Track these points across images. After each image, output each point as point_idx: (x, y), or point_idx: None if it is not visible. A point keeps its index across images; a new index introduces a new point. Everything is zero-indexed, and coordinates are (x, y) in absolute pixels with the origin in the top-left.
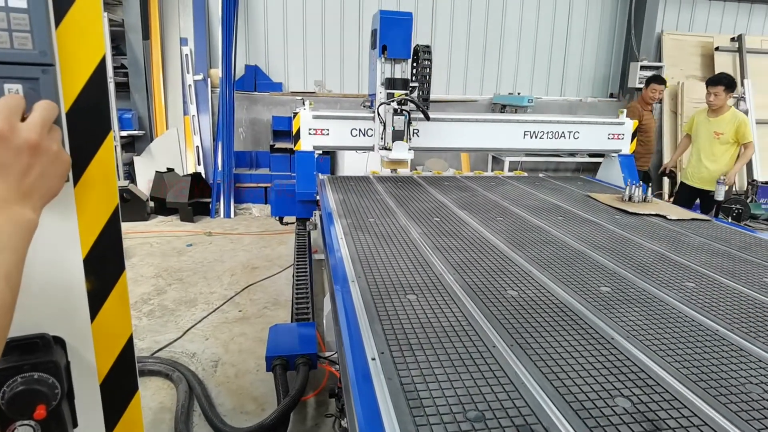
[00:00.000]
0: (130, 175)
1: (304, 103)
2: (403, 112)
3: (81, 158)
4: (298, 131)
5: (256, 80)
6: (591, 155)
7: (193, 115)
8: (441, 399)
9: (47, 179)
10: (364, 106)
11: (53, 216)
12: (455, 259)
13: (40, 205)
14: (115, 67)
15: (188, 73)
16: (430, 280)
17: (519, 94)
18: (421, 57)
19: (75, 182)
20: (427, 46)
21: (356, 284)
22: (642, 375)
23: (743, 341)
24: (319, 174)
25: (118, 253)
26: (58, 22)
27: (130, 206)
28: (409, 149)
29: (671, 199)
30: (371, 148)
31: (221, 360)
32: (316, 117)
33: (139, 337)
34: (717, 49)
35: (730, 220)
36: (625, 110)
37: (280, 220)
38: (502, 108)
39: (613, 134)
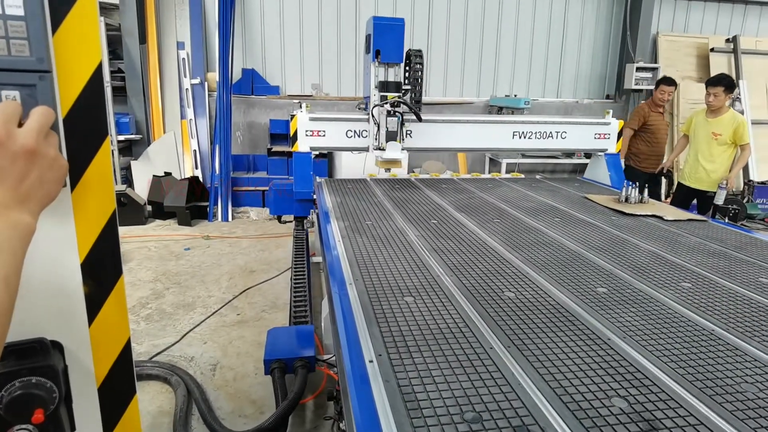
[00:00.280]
0: (128, 179)
1: (301, 106)
2: (396, 113)
3: (78, 163)
4: (296, 133)
5: (253, 84)
6: (588, 156)
7: (191, 119)
8: (438, 400)
9: (44, 184)
10: (359, 108)
11: (51, 221)
12: (452, 261)
13: (37, 210)
14: (112, 72)
15: (185, 76)
16: (427, 282)
17: (515, 96)
18: (413, 61)
19: (72, 187)
20: (419, 51)
21: (354, 287)
22: (638, 375)
23: (739, 341)
24: (317, 177)
25: (116, 257)
26: (54, 30)
27: (128, 210)
28: (402, 149)
29: (668, 200)
30: (366, 149)
31: (220, 363)
32: (312, 119)
33: (138, 341)
34: (712, 50)
35: (726, 220)
36: (611, 110)
37: (279, 218)
38: (499, 110)
39: (599, 134)
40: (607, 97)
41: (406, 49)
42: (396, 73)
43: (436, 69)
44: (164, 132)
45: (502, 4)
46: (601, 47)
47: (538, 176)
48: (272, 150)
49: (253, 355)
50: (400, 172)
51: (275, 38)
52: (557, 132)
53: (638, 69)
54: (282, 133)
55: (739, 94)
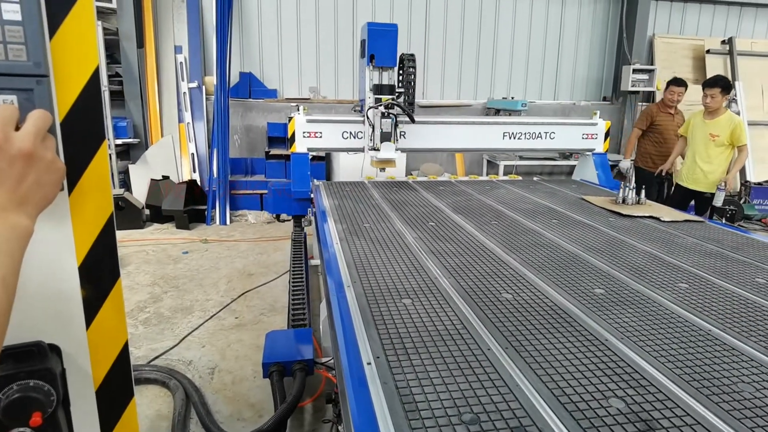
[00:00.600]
0: (126, 183)
1: (298, 109)
2: (390, 115)
3: (75, 166)
4: (293, 134)
5: (250, 87)
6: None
7: (188, 123)
8: (436, 402)
9: (42, 187)
10: (354, 111)
11: (48, 224)
12: (450, 263)
13: (35, 213)
14: (109, 76)
15: (183, 80)
16: (425, 284)
17: (513, 98)
18: (407, 65)
19: (70, 190)
20: (412, 55)
21: (352, 289)
22: (636, 375)
23: (735, 341)
24: (315, 180)
25: (113, 260)
26: (52, 34)
27: (126, 214)
28: (396, 149)
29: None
30: (361, 149)
31: (218, 367)
32: (309, 121)
33: (136, 345)
34: (708, 51)
35: (723, 221)
36: (598, 112)
37: (278, 217)
38: (497, 112)
39: (587, 134)
40: (604, 99)
41: (399, 54)
42: (390, 77)
43: (433, 72)
44: (162, 136)
45: (499, 7)
46: (597, 49)
47: (535, 178)
48: (270, 153)
49: (251, 359)
50: (398, 174)
51: (273, 42)
52: (546, 133)
53: (635, 71)
54: (280, 137)
55: (736, 96)
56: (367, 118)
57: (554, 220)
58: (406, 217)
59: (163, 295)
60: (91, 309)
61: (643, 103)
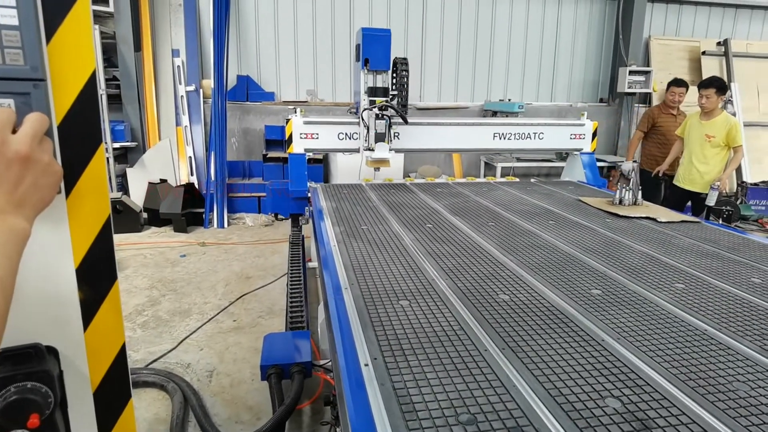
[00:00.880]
0: (123, 187)
1: (296, 111)
2: (384, 116)
3: (73, 170)
4: (291, 135)
5: (248, 90)
6: None
7: (186, 126)
8: (433, 403)
9: (39, 190)
10: (350, 113)
11: (46, 227)
12: (448, 264)
13: (32, 215)
14: (107, 79)
15: (180, 84)
16: (422, 285)
17: (510, 100)
18: (400, 68)
19: (67, 193)
20: (404, 59)
21: (349, 291)
22: (632, 375)
23: (731, 340)
24: (312, 182)
25: (111, 262)
26: (48, 39)
27: (123, 218)
28: (390, 149)
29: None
30: (357, 150)
31: (216, 370)
32: (306, 122)
33: (134, 348)
34: (704, 53)
35: (720, 221)
36: (585, 112)
37: (276, 216)
38: (494, 114)
39: (574, 134)
40: (601, 100)
41: (392, 57)
42: (384, 80)
43: (430, 74)
44: (159, 139)
45: (495, 9)
46: (594, 51)
47: (532, 180)
48: (267, 156)
49: (249, 361)
50: (395, 176)
51: (270, 45)
52: (535, 133)
53: (631, 72)
54: (277, 139)
55: (731, 97)
56: (362, 119)
57: (551, 222)
58: (403, 219)
59: (161, 298)
60: (88, 311)
61: (640, 105)
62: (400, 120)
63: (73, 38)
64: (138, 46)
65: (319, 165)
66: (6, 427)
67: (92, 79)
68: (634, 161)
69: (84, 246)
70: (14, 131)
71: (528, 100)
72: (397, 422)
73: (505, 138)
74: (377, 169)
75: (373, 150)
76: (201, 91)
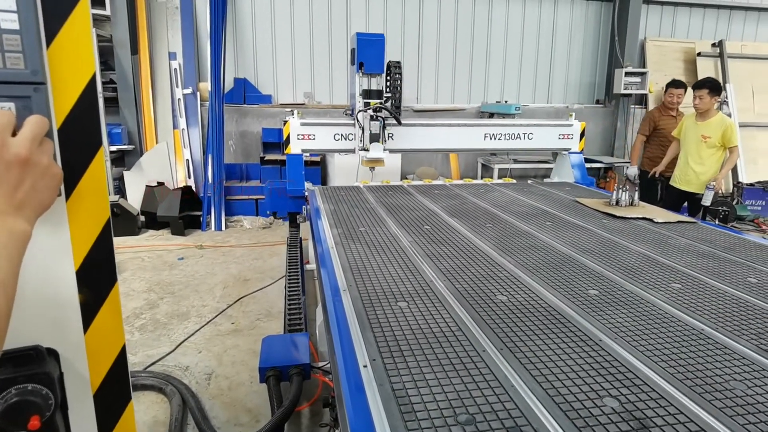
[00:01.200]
0: (121, 190)
1: (293, 114)
2: (379, 118)
3: (73, 172)
4: (288, 137)
5: (245, 93)
6: None
7: (183, 129)
8: (432, 403)
9: (39, 192)
10: (345, 114)
11: (46, 229)
12: (445, 266)
13: (33, 217)
14: (104, 83)
15: (177, 87)
16: (420, 287)
17: (506, 102)
18: (393, 71)
19: (67, 196)
20: (398, 62)
21: (348, 293)
22: (629, 375)
23: (728, 340)
24: (310, 184)
25: (110, 264)
26: (49, 42)
27: (121, 221)
28: (384, 149)
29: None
30: (352, 150)
31: (214, 373)
32: (303, 124)
33: (132, 351)
34: (699, 54)
35: (717, 222)
36: (573, 113)
37: (274, 215)
38: (491, 116)
39: (563, 135)
40: (597, 101)
41: (386, 61)
42: (378, 82)
43: (427, 77)
44: (157, 142)
45: (492, 12)
46: (590, 53)
47: (529, 181)
48: (265, 158)
49: (248, 364)
50: (393, 177)
51: (267, 48)
52: (524, 133)
53: (627, 74)
54: (274, 142)
55: (727, 98)
56: (357, 120)
57: (548, 223)
58: (401, 220)
59: (159, 301)
60: (88, 313)
61: (636, 106)
62: (394, 121)
63: (73, 42)
64: (135, 50)
65: (317, 167)
66: (7, 429)
67: (92, 83)
68: (642, 164)
69: (84, 248)
70: (14, 134)
71: (524, 102)
72: (396, 423)
73: (495, 138)
74: (372, 168)
75: (368, 150)
76: (198, 93)
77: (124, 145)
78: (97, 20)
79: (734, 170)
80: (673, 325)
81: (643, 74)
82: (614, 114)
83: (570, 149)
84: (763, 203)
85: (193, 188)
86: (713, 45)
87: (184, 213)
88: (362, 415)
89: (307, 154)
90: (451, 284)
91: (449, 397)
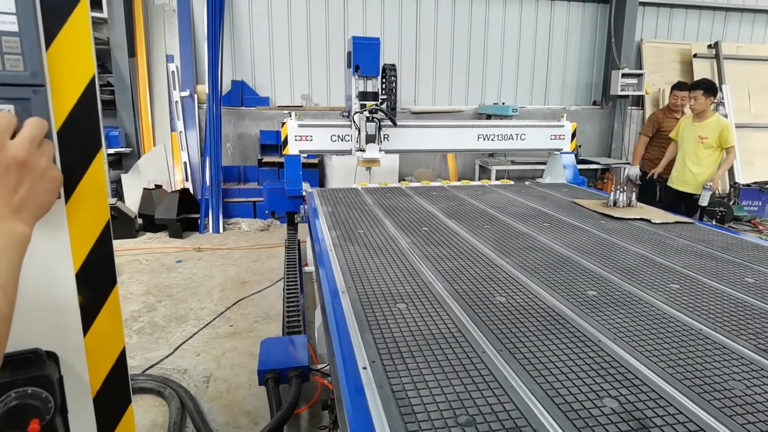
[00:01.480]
0: (118, 193)
1: (290, 116)
2: (374, 119)
3: (72, 175)
4: (286, 138)
5: (242, 95)
6: (577, 163)
7: (181, 132)
8: (432, 405)
9: (38, 194)
10: (342, 116)
11: (45, 231)
12: (444, 267)
13: (32, 220)
14: (101, 85)
15: (175, 89)
16: (419, 288)
17: (503, 103)
18: (388, 74)
19: (67, 198)
20: (393, 65)
21: (346, 295)
22: (629, 375)
23: (726, 340)
24: (308, 186)
25: (110, 267)
26: (48, 44)
27: (119, 223)
28: (380, 150)
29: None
30: (349, 151)
31: (213, 375)
32: (301, 125)
33: (130, 354)
34: (695, 55)
35: (714, 222)
36: (565, 114)
37: (273, 214)
38: (488, 117)
39: (555, 135)
40: (594, 103)
41: (382, 64)
42: (374, 85)
43: (424, 79)
44: (154, 145)
45: (488, 14)
46: (586, 54)
47: (527, 182)
48: (263, 160)
49: (246, 366)
50: (391, 179)
51: (264, 50)
52: (517, 134)
53: (623, 75)
54: (272, 144)
55: (723, 99)
56: (354, 122)
57: (546, 224)
58: (399, 222)
59: (157, 304)
60: (88, 316)
61: (633, 107)
62: (390, 122)
63: (73, 44)
64: (132, 52)
65: (314, 169)
66: None
67: (92, 85)
68: (642, 165)
69: (83, 251)
70: (14, 136)
71: (522, 103)
72: (396, 425)
73: (489, 139)
74: (369, 169)
75: (364, 151)
76: (195, 96)
77: (122, 147)
78: (95, 23)
79: (731, 171)
80: (671, 325)
81: (639, 76)
82: (611, 115)
83: (562, 149)
84: (760, 204)
85: (191, 191)
86: (709, 46)
87: (182, 215)
88: (362, 416)
89: (305, 156)
90: (450, 286)
91: (449, 399)
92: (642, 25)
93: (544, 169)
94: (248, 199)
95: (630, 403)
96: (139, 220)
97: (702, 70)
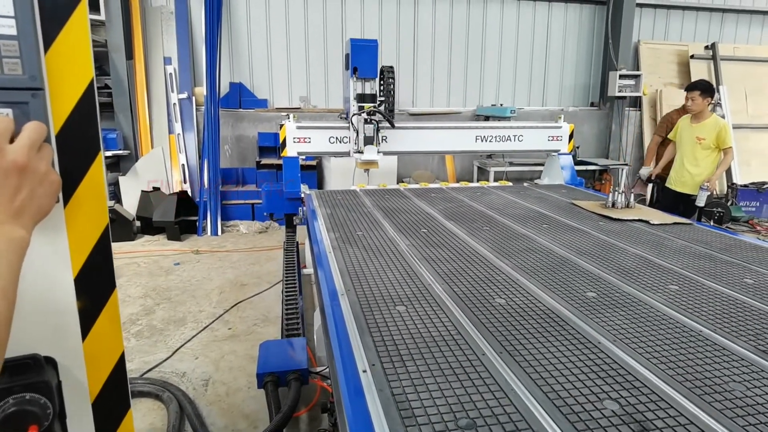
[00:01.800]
0: (116, 195)
1: (288, 118)
2: (372, 121)
3: (71, 179)
4: (285, 140)
5: (240, 97)
6: (575, 164)
7: (179, 134)
8: (432, 408)
9: (37, 199)
10: (340, 118)
11: (44, 236)
12: (443, 269)
13: (31, 224)
14: (99, 88)
15: (173, 91)
16: (419, 290)
17: (501, 105)
18: (386, 76)
19: (65, 202)
20: (391, 67)
21: (346, 297)
22: (629, 377)
23: (726, 341)
24: (306, 188)
25: (109, 271)
26: (47, 48)
27: (116, 226)
28: (378, 152)
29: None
30: (347, 153)
31: (212, 378)
32: (299, 127)
33: (128, 358)
34: (692, 57)
35: (712, 223)
36: (562, 116)
37: (271, 216)
38: (486, 119)
39: (552, 136)
40: (592, 104)
41: (380, 66)
42: (372, 87)
43: (422, 80)
44: (152, 147)
45: (486, 16)
46: (584, 56)
47: (525, 184)
48: (261, 163)
49: (245, 369)
50: (389, 181)
51: (262, 52)
52: (515, 135)
53: (621, 76)
54: (270, 146)
55: (720, 100)
56: (352, 124)
57: (545, 225)
58: (398, 224)
59: (155, 307)
60: (86, 321)
61: (630, 108)
62: (387, 124)
63: (71, 47)
64: (130, 54)
65: (313, 171)
66: None
67: (90, 88)
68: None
69: (82, 255)
70: (12, 140)
71: (520, 104)
72: (396, 428)
73: (486, 140)
74: (367, 170)
75: (362, 152)
76: (193, 98)
77: (120, 150)
78: (92, 25)
79: (728, 172)
80: (671, 326)
81: (637, 77)
82: (609, 116)
83: (559, 150)
84: (758, 204)
85: (189, 193)
86: (706, 47)
87: (180, 218)
88: (362, 420)
89: (303, 158)
90: (450, 288)
91: (449, 402)
92: (639, 27)
93: (541, 171)
94: (246, 202)
95: (630, 405)
96: (137, 223)
97: (699, 71)
